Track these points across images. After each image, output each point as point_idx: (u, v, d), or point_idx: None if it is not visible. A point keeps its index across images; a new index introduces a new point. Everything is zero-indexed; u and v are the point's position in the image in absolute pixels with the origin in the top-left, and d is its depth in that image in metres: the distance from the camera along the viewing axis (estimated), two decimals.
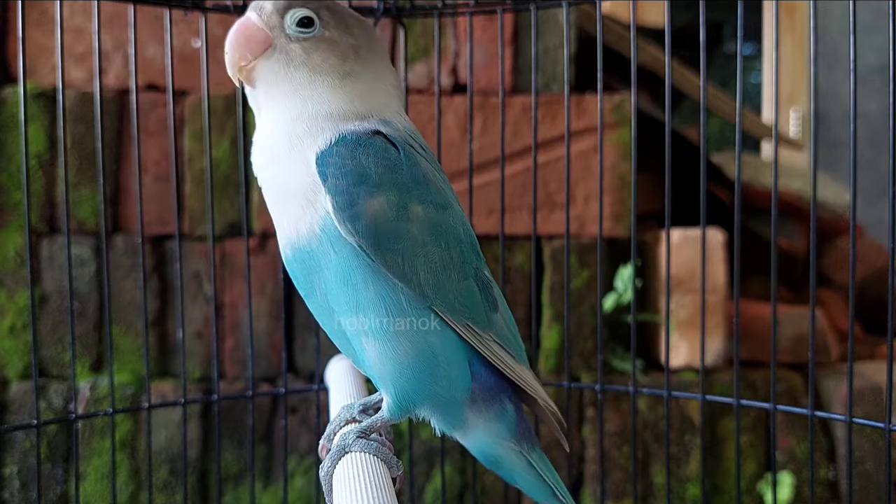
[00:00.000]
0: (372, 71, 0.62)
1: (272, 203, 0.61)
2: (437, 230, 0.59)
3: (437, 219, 0.59)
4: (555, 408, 0.68)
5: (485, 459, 0.66)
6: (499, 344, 0.62)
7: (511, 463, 0.66)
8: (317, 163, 0.57)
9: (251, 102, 0.64)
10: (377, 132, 0.59)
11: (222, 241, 1.18)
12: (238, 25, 0.61)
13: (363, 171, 0.56)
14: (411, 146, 0.61)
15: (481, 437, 0.64)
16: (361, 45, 0.63)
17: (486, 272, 0.63)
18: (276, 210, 0.61)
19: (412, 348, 0.58)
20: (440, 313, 0.59)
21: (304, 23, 0.61)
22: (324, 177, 0.56)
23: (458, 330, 0.60)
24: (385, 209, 0.56)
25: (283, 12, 0.61)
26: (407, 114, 0.68)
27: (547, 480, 0.66)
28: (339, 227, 0.56)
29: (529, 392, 0.65)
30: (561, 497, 0.67)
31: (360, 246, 0.56)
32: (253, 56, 0.61)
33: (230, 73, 0.62)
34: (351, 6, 0.90)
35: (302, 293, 0.61)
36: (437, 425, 0.63)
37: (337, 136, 0.58)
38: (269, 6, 0.62)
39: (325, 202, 0.56)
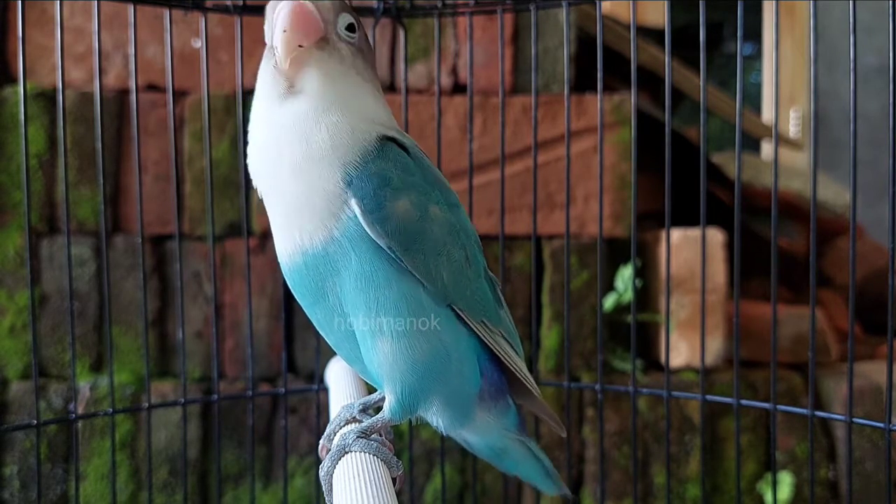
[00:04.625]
0: (376, 84, 0.64)
1: (286, 212, 0.59)
2: (454, 230, 0.61)
3: (451, 219, 0.61)
4: (543, 402, 0.71)
5: (490, 452, 0.69)
6: (505, 339, 0.64)
7: (515, 453, 0.69)
8: (343, 167, 0.57)
9: (269, 93, 0.60)
10: (389, 138, 0.60)
11: (222, 241, 1.18)
12: (295, 7, 0.58)
13: (385, 174, 0.57)
14: (417, 148, 0.63)
15: (489, 431, 0.66)
16: (370, 62, 0.64)
17: (489, 271, 0.66)
18: (288, 219, 0.58)
19: (427, 346, 0.58)
20: (458, 311, 0.60)
21: (351, 28, 0.62)
22: (348, 181, 0.56)
23: (473, 327, 0.61)
24: (411, 210, 0.57)
25: (338, 12, 0.61)
26: (406, 119, 0.68)
27: (544, 463, 0.71)
28: (368, 229, 0.56)
29: (527, 385, 0.67)
30: (553, 475, 0.72)
31: (389, 247, 0.56)
32: (308, 42, 0.59)
33: (284, 54, 0.58)
34: (351, 6, 0.90)
35: (307, 301, 0.61)
36: (444, 423, 0.63)
37: (369, 143, 0.59)
38: (320, 4, 0.60)
39: (352, 206, 0.56)
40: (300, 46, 0.58)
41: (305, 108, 0.58)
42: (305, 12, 0.58)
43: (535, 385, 0.68)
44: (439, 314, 0.59)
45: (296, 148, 0.57)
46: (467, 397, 0.62)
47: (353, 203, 0.56)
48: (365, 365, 0.61)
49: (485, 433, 0.67)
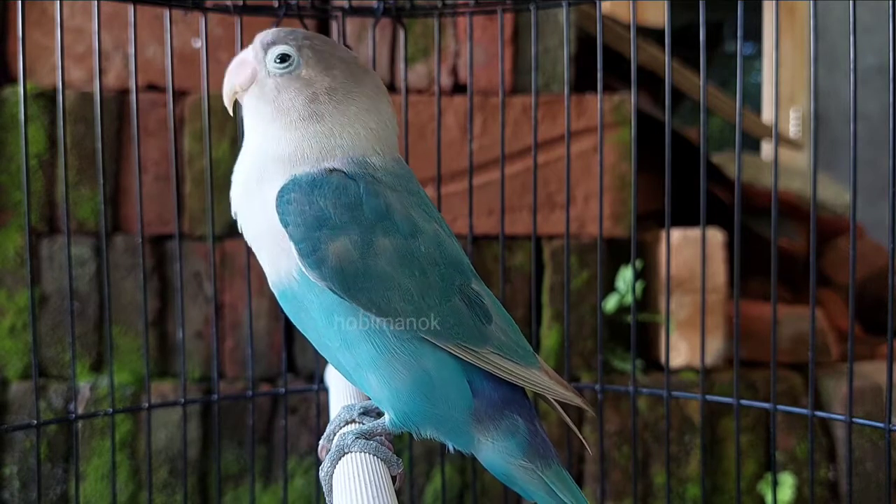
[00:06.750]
0: (343, 113, 0.62)
1: (250, 243, 0.62)
2: (408, 260, 0.58)
3: (405, 248, 0.58)
4: (579, 401, 0.66)
5: (498, 476, 0.65)
6: (498, 355, 0.61)
7: (524, 482, 0.64)
8: (277, 210, 0.57)
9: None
10: (333, 170, 0.59)
11: (222, 241, 1.18)
12: (237, 57, 0.65)
13: (321, 213, 0.57)
14: (374, 177, 0.60)
15: (490, 455, 0.62)
16: (338, 87, 0.62)
17: (474, 286, 0.62)
18: (255, 250, 0.62)
19: (407, 374, 0.58)
20: (428, 339, 0.58)
21: (283, 59, 0.62)
22: (285, 224, 0.57)
23: (451, 351, 0.59)
24: (349, 249, 0.56)
25: (267, 46, 0.63)
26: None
27: (564, 499, 0.64)
28: (306, 272, 0.56)
29: (542, 392, 0.64)
30: None
31: (330, 288, 0.56)
32: (240, 87, 0.63)
33: (225, 101, 0.65)
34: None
35: (299, 327, 0.62)
36: (449, 445, 0.63)
37: (289, 179, 0.58)
38: (258, 39, 0.64)
39: (291, 248, 0.57)
40: (234, 94, 0.64)
41: (243, 152, 0.63)
42: (237, 59, 0.64)
43: (551, 387, 0.63)
44: (411, 343, 0.58)
45: (243, 189, 0.61)
46: (459, 421, 0.60)
47: (292, 247, 0.57)
48: (359, 385, 0.62)
49: (486, 457, 0.63)
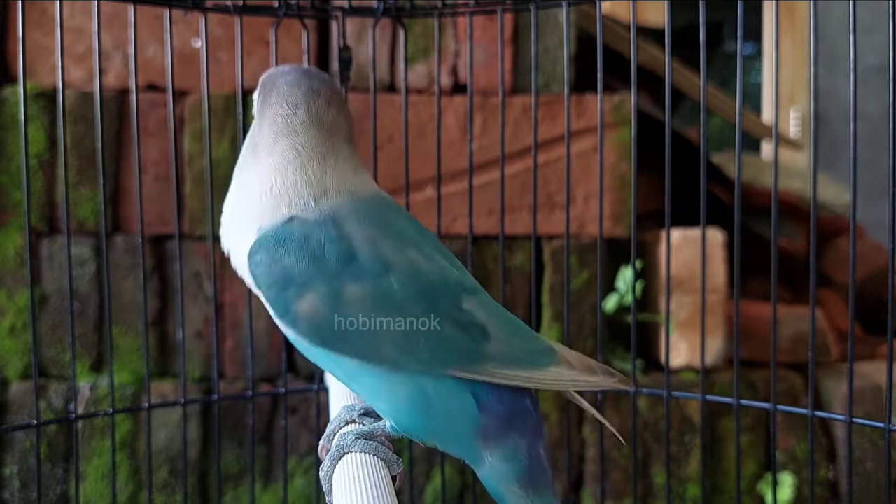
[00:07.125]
0: (271, 152, 0.60)
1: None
2: (384, 301, 0.55)
3: (377, 290, 0.55)
4: (612, 382, 0.62)
5: (489, 493, 0.62)
6: (503, 368, 0.58)
7: None
8: (249, 273, 0.57)
9: None
10: (293, 217, 0.57)
11: None
12: None
13: (287, 271, 0.55)
14: (333, 218, 0.57)
15: (486, 473, 0.60)
16: (265, 121, 0.61)
17: (464, 304, 0.58)
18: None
19: (406, 396, 0.57)
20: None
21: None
22: (258, 286, 0.57)
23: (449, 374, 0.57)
24: (318, 306, 0.55)
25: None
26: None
27: None
28: (284, 331, 0.57)
29: (560, 388, 0.61)
30: None
31: (310, 342, 0.56)
32: None
33: None
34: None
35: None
36: (459, 458, 0.61)
37: (257, 236, 0.57)
38: None
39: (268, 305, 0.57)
40: None
41: (233, 183, 0.63)
42: None
43: (574, 381, 0.60)
44: (404, 372, 0.56)
45: (226, 231, 0.61)
46: (462, 435, 0.58)
47: (268, 306, 0.57)
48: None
49: (482, 473, 0.60)
